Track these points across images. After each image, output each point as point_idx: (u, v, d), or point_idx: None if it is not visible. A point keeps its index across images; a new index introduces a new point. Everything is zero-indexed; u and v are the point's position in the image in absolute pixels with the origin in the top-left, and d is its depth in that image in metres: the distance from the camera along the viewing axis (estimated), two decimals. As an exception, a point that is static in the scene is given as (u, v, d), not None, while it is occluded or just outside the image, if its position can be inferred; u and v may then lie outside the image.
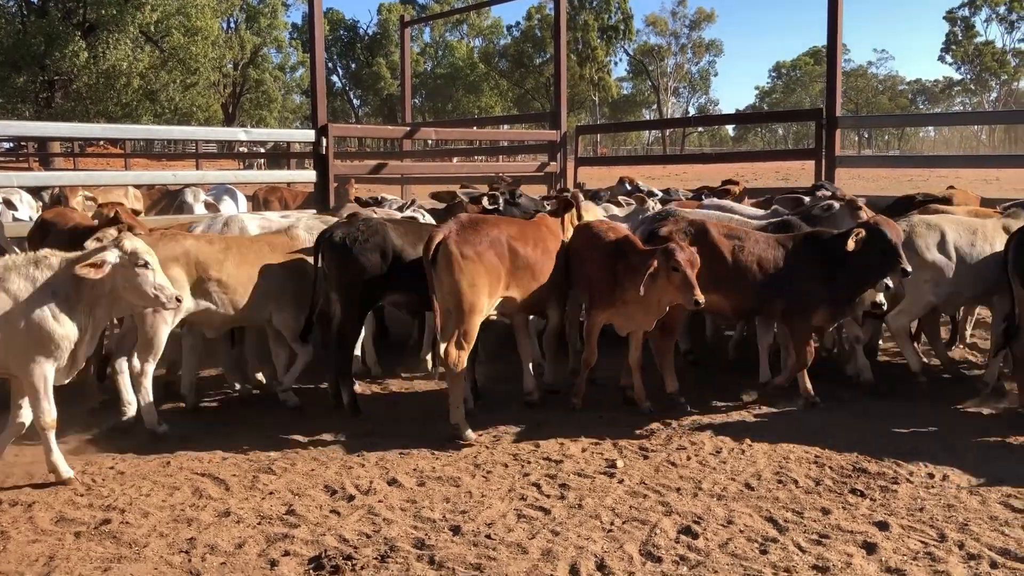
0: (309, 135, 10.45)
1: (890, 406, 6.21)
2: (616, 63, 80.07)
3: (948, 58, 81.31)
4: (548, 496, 4.64)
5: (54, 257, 4.80)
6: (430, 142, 17.59)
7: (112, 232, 5.51)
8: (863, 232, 5.92)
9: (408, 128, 13.97)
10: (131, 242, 4.88)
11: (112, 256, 4.78)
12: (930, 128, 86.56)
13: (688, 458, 5.21)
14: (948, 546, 4.00)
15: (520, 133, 21.66)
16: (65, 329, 4.71)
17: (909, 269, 5.86)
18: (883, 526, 4.22)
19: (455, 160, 17.79)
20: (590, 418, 6.00)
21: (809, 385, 6.24)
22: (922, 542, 4.05)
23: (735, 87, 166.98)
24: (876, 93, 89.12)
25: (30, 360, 4.68)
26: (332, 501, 4.62)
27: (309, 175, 10.64)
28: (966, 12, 78.70)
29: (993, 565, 3.81)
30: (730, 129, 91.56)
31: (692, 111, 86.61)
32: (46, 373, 4.73)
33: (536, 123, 25.56)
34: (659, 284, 5.48)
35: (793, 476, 4.88)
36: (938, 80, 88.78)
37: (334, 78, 77.78)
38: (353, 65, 78.05)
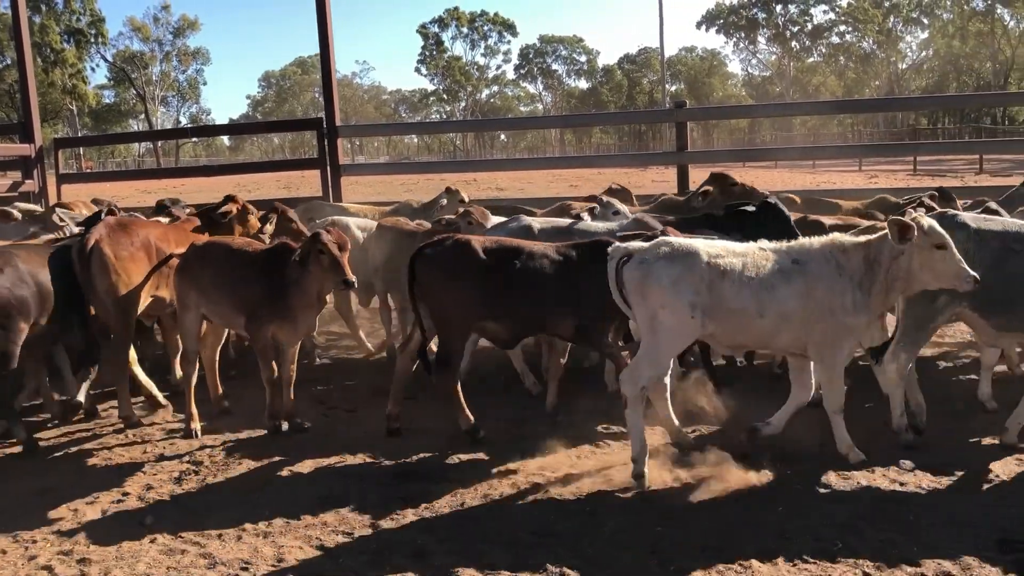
0: None
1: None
2: (94, 69, 73.78)
3: (423, 70, 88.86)
4: (65, 580, 3.93)
5: (848, 241, 4.81)
6: None
7: None
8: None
9: None
10: (928, 221, 4.72)
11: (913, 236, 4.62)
12: (414, 136, 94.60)
13: (223, 493, 4.82)
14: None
15: (-18, 148, 18.64)
16: (861, 317, 4.75)
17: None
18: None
19: None
20: (107, 471, 5.27)
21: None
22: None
23: (226, 96, 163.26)
24: (362, 102, 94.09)
25: (829, 345, 4.73)
26: None
27: None
28: (436, 29, 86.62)
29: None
30: (226, 139, 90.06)
31: (184, 121, 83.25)
32: (843, 359, 4.81)
33: (3, 136, 22.32)
34: (312, 271, 5.50)
35: (337, 495, 4.76)
36: (416, 90, 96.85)
37: None
38: None
